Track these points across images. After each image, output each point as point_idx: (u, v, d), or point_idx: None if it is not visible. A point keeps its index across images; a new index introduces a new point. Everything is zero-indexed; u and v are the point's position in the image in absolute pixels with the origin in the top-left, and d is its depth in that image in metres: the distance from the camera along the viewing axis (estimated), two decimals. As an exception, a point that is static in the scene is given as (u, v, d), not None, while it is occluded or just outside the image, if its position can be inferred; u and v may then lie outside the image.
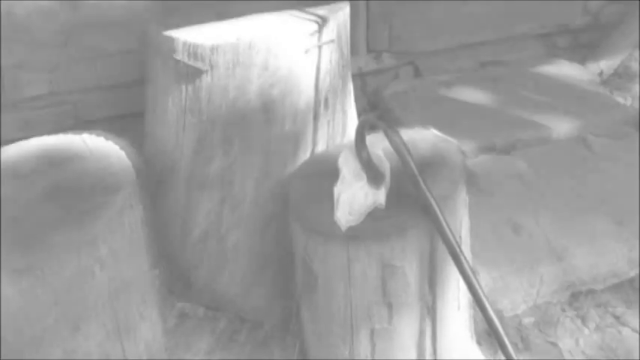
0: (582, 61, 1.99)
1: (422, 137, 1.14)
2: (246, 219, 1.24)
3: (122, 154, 1.01)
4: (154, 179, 1.19)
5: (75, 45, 1.44)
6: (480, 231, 1.31)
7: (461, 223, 1.06)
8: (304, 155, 1.24)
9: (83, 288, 0.86)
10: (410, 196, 0.96)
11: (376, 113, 1.20)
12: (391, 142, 0.94)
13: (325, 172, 1.06)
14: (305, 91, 1.20)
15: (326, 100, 1.23)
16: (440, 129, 1.18)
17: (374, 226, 0.95)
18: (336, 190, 0.99)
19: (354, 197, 0.96)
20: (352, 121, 1.37)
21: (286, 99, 1.17)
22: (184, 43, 1.09)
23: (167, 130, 1.21)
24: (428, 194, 0.93)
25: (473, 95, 1.80)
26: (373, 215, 0.96)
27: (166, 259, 1.18)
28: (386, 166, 1.01)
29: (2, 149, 1.01)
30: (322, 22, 1.15)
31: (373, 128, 1.00)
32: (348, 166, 1.02)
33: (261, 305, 1.24)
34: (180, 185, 1.22)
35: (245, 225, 1.25)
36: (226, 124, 1.18)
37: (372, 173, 1.00)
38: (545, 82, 1.88)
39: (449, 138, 1.14)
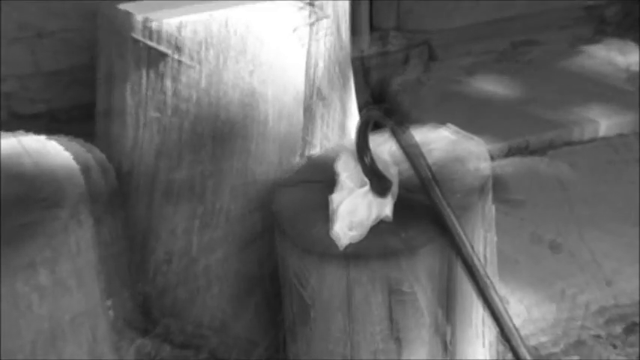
0: (638, 39, 2.01)
1: (438, 136, 1.17)
2: (222, 237, 1.26)
3: (68, 157, 1.02)
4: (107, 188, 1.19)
5: (7, 20, 1.44)
6: (510, 249, 1.34)
7: (485, 240, 1.08)
8: (293, 158, 1.27)
9: (18, 322, 0.87)
10: (422, 207, 0.99)
11: (382, 107, 1.23)
12: (400, 142, 0.97)
13: (320, 178, 1.09)
14: (293, 80, 1.23)
15: (319, 91, 1.27)
16: (460, 126, 1.20)
17: (379, 242, 0.98)
18: (334, 200, 1.02)
19: (354, 208, 1.00)
20: (352, 118, 1.40)
21: (270, 89, 1.19)
22: (145, 21, 1.11)
23: (123, 127, 1.23)
24: (444, 205, 0.95)
25: (501, 84, 1.83)
26: (378, 230, 0.99)
27: (123, 285, 1.19)
28: (393, 172, 1.04)
29: None
30: (315, -6, 1.16)
31: (378, 126, 1.02)
32: (348, 172, 1.05)
33: (241, 341, 1.27)
34: (139, 195, 1.23)
35: (220, 244, 1.27)
36: (196, 121, 1.21)
37: (377, 180, 1.03)
38: (590, 66, 1.91)
39: (471, 136, 1.17)
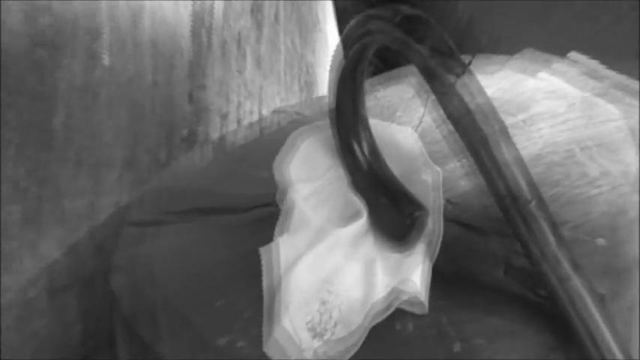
0: None
1: (545, 85, 0.95)
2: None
3: None
4: None
5: None
6: None
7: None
8: (167, 151, 1.07)
9: None
10: (501, 270, 0.77)
11: (399, 14, 0.82)
12: (447, 105, 0.75)
13: (236, 202, 0.93)
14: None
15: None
16: (605, 56, 0.98)
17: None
18: (280, 258, 0.82)
19: (327, 279, 0.79)
20: (325, 46, 1.21)
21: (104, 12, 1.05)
22: None
23: None
24: (564, 266, 0.71)
25: None
26: (390, 331, 0.77)
27: None
28: (430, 181, 0.88)
29: None
30: None
31: (391, 63, 0.83)
32: (313, 183, 0.88)
33: None
34: None
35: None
36: None
37: (388, 203, 0.86)
38: None
39: (634, 85, 0.93)
